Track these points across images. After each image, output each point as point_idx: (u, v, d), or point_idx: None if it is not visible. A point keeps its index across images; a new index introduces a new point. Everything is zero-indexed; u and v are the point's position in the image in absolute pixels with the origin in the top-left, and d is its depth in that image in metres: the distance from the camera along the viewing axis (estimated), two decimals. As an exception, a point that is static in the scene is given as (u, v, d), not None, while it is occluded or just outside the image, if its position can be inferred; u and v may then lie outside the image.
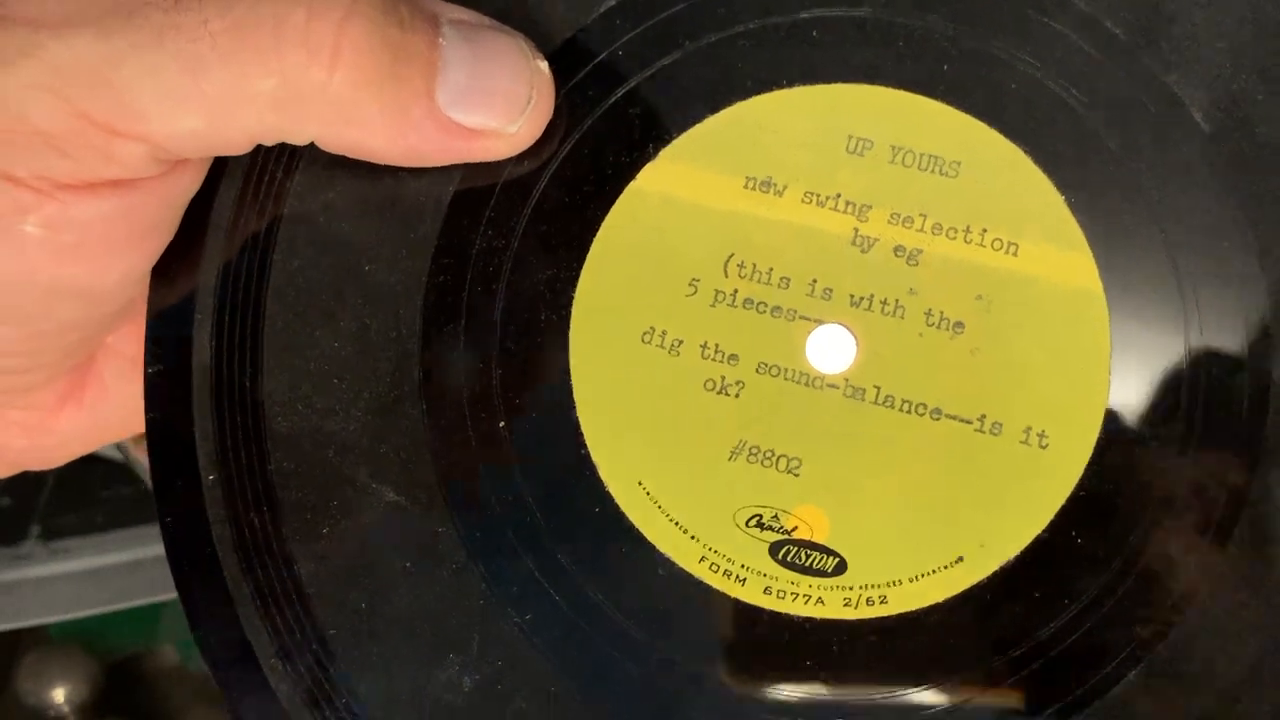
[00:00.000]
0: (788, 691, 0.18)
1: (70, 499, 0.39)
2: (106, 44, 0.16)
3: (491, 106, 0.18)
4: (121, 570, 0.37)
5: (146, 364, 0.19)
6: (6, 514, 0.38)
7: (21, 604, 0.36)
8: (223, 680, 0.19)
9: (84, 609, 0.37)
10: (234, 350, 0.19)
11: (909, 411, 0.18)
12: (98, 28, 0.16)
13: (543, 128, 0.18)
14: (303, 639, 0.18)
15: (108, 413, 0.22)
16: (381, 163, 0.18)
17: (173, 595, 0.39)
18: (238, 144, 0.17)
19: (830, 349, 0.18)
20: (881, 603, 0.18)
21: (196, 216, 0.19)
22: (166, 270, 0.19)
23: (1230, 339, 0.18)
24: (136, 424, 0.22)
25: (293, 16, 0.16)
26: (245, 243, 0.19)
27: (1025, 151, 0.18)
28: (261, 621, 0.19)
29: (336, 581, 0.19)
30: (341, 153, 0.18)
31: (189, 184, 0.18)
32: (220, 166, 0.19)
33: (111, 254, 0.18)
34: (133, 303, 0.20)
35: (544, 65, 0.18)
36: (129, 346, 0.21)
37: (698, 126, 0.19)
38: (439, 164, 0.18)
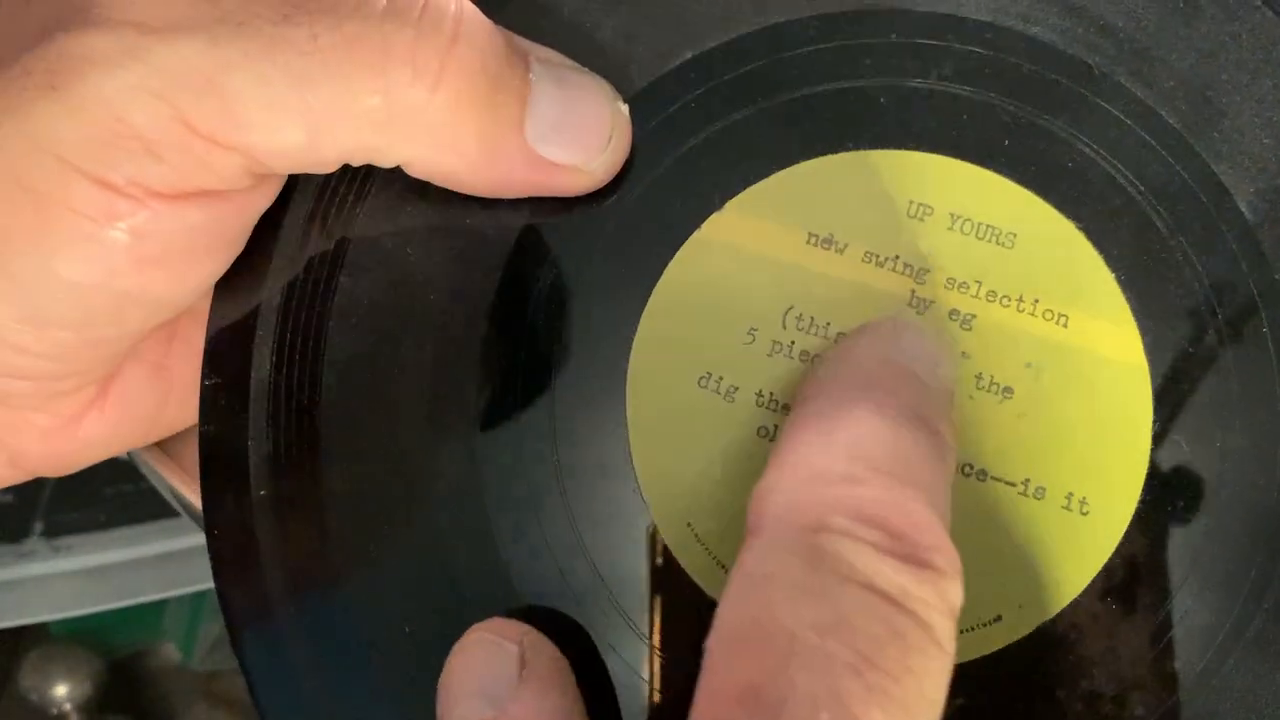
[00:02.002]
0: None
1: (73, 497, 0.38)
2: (215, 52, 0.16)
3: (575, 143, 0.18)
4: (124, 568, 0.37)
5: (204, 376, 0.19)
6: (9, 511, 0.38)
7: (24, 601, 0.36)
8: (262, 700, 0.19)
9: (86, 607, 0.37)
10: (293, 367, 0.19)
11: (956, 471, 0.19)
12: (207, 35, 0.16)
13: (619, 167, 0.19)
14: (349, 660, 0.19)
15: (128, 421, 0.21)
16: (465, 191, 0.18)
17: (175, 593, 0.39)
18: (330, 161, 0.17)
19: (882, 405, 0.19)
20: (918, 655, 0.18)
21: (265, 233, 0.19)
22: (230, 284, 0.19)
23: (1268, 418, 0.18)
24: (154, 433, 0.22)
25: (400, 35, 0.17)
26: (311, 262, 0.19)
27: (1079, 227, 0.19)
28: (305, 640, 0.19)
29: (385, 604, 0.19)
30: (428, 178, 0.18)
31: (269, 199, 0.19)
32: (291, 185, 0.19)
33: (189, 264, 0.18)
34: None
35: (624, 108, 0.19)
36: (154, 354, 0.21)
37: (764, 181, 0.19)
38: (518, 195, 0.19)
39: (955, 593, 0.15)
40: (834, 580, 0.14)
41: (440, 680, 0.17)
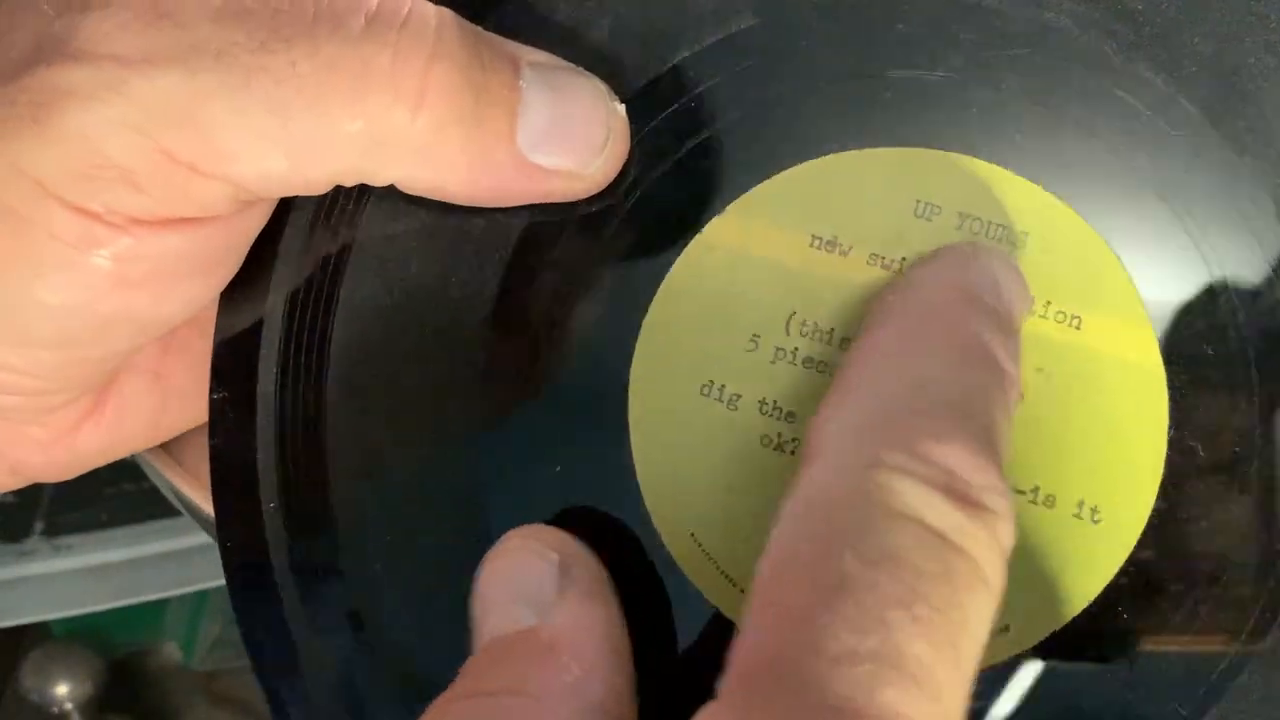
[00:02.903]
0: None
1: (74, 496, 0.38)
2: (193, 82, 0.16)
3: (569, 148, 0.18)
4: (125, 567, 0.37)
5: (211, 390, 0.19)
6: (10, 510, 0.38)
7: (25, 600, 0.36)
8: (279, 712, 0.19)
9: (87, 606, 0.37)
10: (298, 379, 0.19)
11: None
12: (184, 66, 0.16)
13: (617, 170, 0.18)
14: (364, 672, 0.18)
15: (127, 428, 0.21)
16: (459, 203, 0.18)
17: (176, 592, 0.39)
18: (318, 185, 0.17)
19: (890, 412, 0.18)
20: (928, 667, 0.18)
21: (266, 246, 0.19)
22: (233, 297, 0.19)
23: (1289, 426, 0.18)
24: (154, 438, 0.22)
25: (379, 59, 0.16)
26: (313, 274, 0.19)
27: (1093, 225, 0.18)
28: (319, 651, 0.18)
29: (395, 613, 0.19)
30: (420, 194, 0.18)
31: (260, 219, 0.18)
32: (290, 197, 0.19)
33: (177, 286, 0.18)
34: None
35: (620, 108, 0.18)
36: (150, 362, 0.21)
37: (766, 182, 0.19)
38: (514, 204, 0.18)
39: (1006, 533, 0.15)
40: (885, 514, 0.14)
41: (476, 585, 0.17)
